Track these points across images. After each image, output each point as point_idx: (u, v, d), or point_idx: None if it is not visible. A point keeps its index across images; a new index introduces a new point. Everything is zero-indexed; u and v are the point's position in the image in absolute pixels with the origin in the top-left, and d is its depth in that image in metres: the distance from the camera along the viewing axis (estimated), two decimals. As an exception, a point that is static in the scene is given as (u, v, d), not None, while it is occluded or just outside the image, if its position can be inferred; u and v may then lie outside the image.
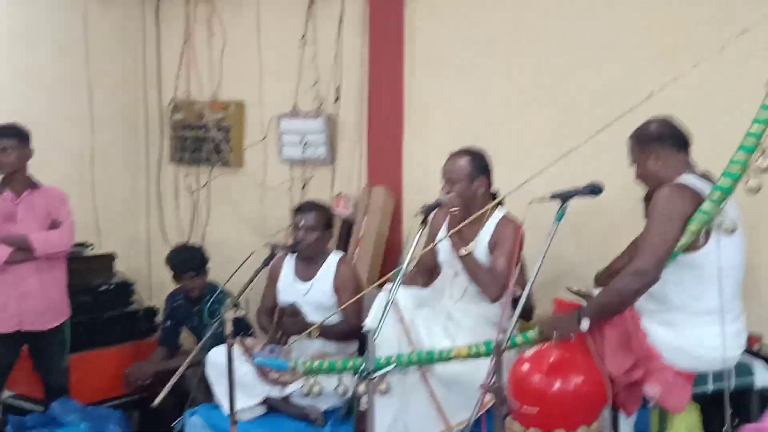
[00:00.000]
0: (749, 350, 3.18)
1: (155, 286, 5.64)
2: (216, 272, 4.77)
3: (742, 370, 2.96)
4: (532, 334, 3.03)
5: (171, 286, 4.85)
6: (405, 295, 3.37)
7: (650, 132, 3.00)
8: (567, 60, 4.22)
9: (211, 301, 4.20)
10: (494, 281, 3.39)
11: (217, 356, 3.79)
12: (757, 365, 3.02)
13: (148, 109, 5.77)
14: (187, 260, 4.66)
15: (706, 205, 2.72)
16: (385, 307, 2.94)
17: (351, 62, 4.99)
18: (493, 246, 3.52)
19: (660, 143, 2.96)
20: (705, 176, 2.90)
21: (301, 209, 4.04)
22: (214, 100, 5.55)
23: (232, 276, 4.20)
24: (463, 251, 3.41)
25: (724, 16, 3.68)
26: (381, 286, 3.64)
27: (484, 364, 2.96)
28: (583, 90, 4.18)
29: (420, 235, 3.40)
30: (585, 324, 2.81)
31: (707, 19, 3.75)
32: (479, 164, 3.60)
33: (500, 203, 3.53)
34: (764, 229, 3.64)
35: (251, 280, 3.61)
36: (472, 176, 3.56)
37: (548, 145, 4.13)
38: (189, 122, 5.63)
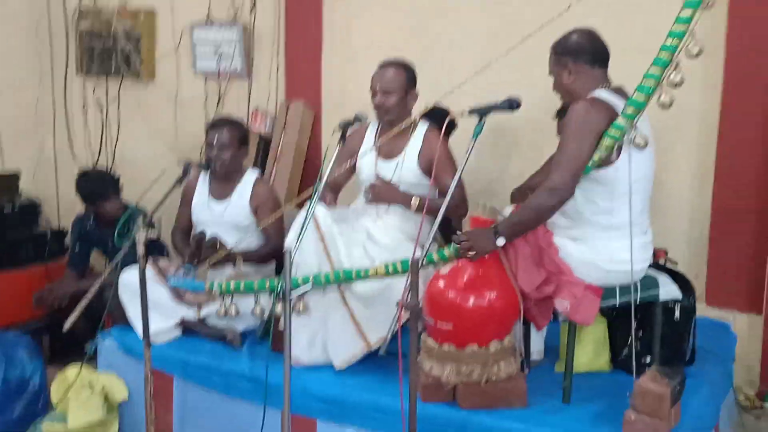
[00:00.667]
0: (655, 264, 3.28)
1: (64, 206, 5.43)
2: (128, 190, 4.61)
3: (648, 283, 3.04)
4: (448, 251, 3.03)
5: (81, 206, 4.66)
6: (324, 214, 3.31)
7: (569, 44, 2.95)
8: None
9: (124, 221, 4.06)
10: (457, 204, 3.35)
11: (129, 278, 3.68)
12: (662, 278, 3.10)
13: (51, 15, 5.40)
14: (98, 187, 4.43)
15: (619, 120, 2.72)
16: (303, 224, 2.88)
17: (267, -32, 4.77)
18: (425, 161, 3.48)
19: (577, 57, 2.92)
20: (618, 91, 2.89)
21: (214, 125, 3.89)
22: (122, 8, 5.24)
23: (143, 195, 4.10)
24: (414, 202, 3.38)
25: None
26: (301, 205, 3.57)
27: (402, 282, 2.97)
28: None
29: (337, 152, 3.34)
30: (500, 241, 2.82)
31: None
32: (412, 76, 3.57)
33: (422, 117, 3.49)
34: (670, 144, 3.72)
35: (164, 199, 3.50)
36: (407, 88, 3.52)
37: (474, 56, 4.06)
38: (96, 31, 5.32)
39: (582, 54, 2.91)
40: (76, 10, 5.37)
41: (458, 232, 2.94)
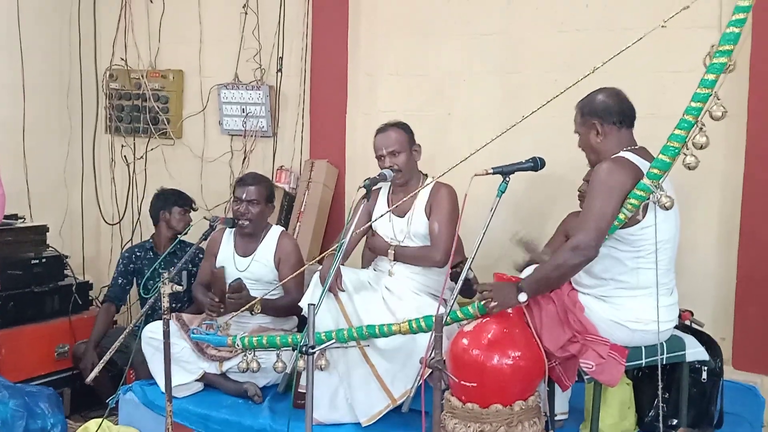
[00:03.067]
0: (681, 325, 3.25)
1: (89, 261, 5.48)
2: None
3: (674, 344, 3.01)
4: (472, 308, 3.03)
5: (105, 259, 4.72)
6: (342, 276, 3.36)
7: (596, 104, 2.97)
8: (516, 30, 4.22)
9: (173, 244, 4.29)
10: (433, 249, 3.44)
11: (153, 331, 3.70)
12: (689, 340, 3.07)
13: (83, 77, 5.55)
14: (175, 194, 4.63)
15: (645, 181, 2.74)
16: (323, 289, 2.93)
17: (293, 32, 4.90)
18: (429, 211, 3.55)
19: (604, 118, 2.94)
20: (643, 152, 2.92)
21: (242, 181, 3.96)
22: (152, 69, 5.39)
23: (171, 248, 4.15)
24: (390, 253, 3.46)
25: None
26: (321, 261, 3.62)
27: (425, 336, 2.97)
28: (533, 60, 4.18)
29: (362, 209, 3.39)
30: (522, 297, 2.82)
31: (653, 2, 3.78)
32: (411, 131, 3.69)
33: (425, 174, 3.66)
34: (694, 205, 3.74)
35: (189, 254, 3.55)
36: (411, 144, 3.64)
37: (496, 116, 4.16)
38: (126, 91, 5.46)
39: (609, 115, 2.94)
40: (107, 70, 5.52)
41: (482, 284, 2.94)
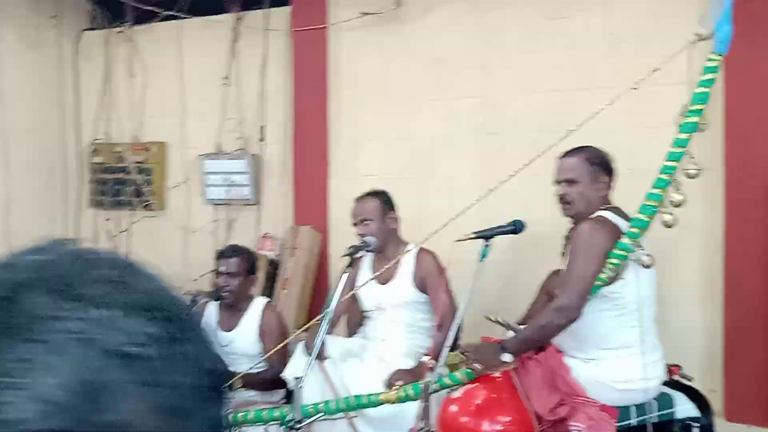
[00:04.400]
0: (670, 381, 3.23)
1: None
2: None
3: (664, 402, 2.99)
4: (459, 374, 3.01)
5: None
6: (330, 347, 3.34)
7: (604, 158, 2.99)
8: (493, 93, 4.29)
9: None
10: (448, 321, 3.34)
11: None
12: (678, 397, 3.05)
13: (67, 153, 5.59)
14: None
15: (624, 240, 2.76)
16: (309, 360, 2.90)
17: (275, 101, 4.96)
18: (420, 280, 3.55)
19: (607, 172, 2.98)
20: (618, 211, 2.94)
21: (222, 255, 3.94)
22: (135, 142, 5.42)
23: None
24: (429, 363, 3.27)
25: (638, 53, 3.80)
26: (306, 331, 3.60)
27: (413, 403, 2.94)
28: (510, 122, 4.25)
29: (347, 278, 3.37)
30: (506, 357, 2.81)
31: (626, 56, 3.88)
32: (387, 200, 3.73)
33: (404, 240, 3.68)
34: (678, 259, 3.76)
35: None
36: (384, 213, 3.67)
37: (476, 178, 4.20)
38: (109, 165, 5.48)
39: (610, 172, 2.99)
40: (90, 144, 5.55)
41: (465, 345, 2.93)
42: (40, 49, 5.42)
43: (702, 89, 2.59)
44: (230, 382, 3.55)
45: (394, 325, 3.55)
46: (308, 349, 3.34)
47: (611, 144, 3.18)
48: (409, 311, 3.55)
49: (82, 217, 5.64)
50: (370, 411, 3.20)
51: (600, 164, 2.96)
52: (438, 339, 3.24)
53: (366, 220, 3.63)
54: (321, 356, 3.34)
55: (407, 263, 3.58)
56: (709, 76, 2.59)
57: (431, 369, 3.12)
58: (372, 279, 3.53)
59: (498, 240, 3.10)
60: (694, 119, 2.59)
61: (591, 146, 3.02)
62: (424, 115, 4.50)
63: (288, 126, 4.92)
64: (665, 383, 3.09)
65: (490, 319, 3.30)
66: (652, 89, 3.43)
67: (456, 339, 3.47)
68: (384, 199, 3.72)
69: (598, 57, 4.01)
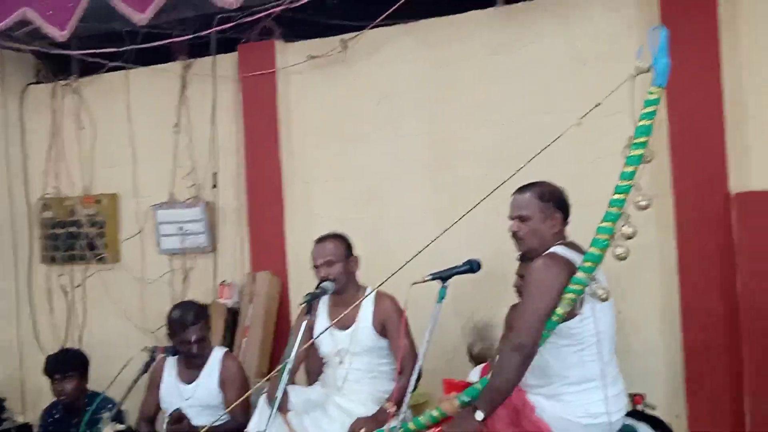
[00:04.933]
0: (633, 411, 3.24)
1: (29, 398, 5.26)
2: (97, 374, 4.48)
3: (628, 434, 2.99)
4: (423, 419, 2.97)
5: (48, 397, 4.52)
6: (292, 398, 3.29)
7: (557, 195, 3.00)
8: (441, 128, 4.31)
9: (92, 411, 3.94)
10: (409, 366, 3.35)
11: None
12: (641, 427, 3.05)
13: (15, 208, 5.46)
14: (66, 361, 4.34)
15: (579, 275, 2.76)
16: (271, 413, 2.85)
17: (227, 147, 4.93)
18: (379, 324, 3.51)
19: (561, 209, 2.99)
20: (573, 246, 2.95)
21: (183, 322, 3.81)
22: (86, 195, 5.34)
23: (111, 383, 4.00)
24: (391, 410, 3.29)
25: (582, 84, 3.87)
26: (268, 381, 3.55)
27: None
28: (460, 156, 4.26)
29: (305, 325, 3.33)
30: (479, 415, 2.76)
31: (572, 86, 3.95)
32: (348, 244, 3.69)
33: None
34: (633, 286, 3.80)
35: (131, 389, 3.44)
36: (347, 255, 3.64)
37: (429, 214, 4.20)
38: (60, 219, 5.38)
39: (564, 208, 3.00)
40: (39, 199, 5.45)
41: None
42: (-18, 100, 5.33)
43: (644, 122, 2.63)
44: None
45: (354, 372, 3.51)
46: (270, 400, 3.28)
47: (559, 175, 3.21)
48: (369, 357, 3.50)
49: (34, 273, 5.50)
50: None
51: (552, 200, 2.97)
52: (400, 384, 3.20)
53: (330, 262, 3.57)
54: (283, 408, 3.28)
55: (366, 308, 3.54)
56: (651, 108, 2.63)
57: (394, 415, 3.09)
58: (331, 326, 3.48)
59: (456, 277, 3.10)
60: (639, 152, 2.63)
61: (544, 182, 3.04)
62: (374, 152, 4.50)
63: (241, 171, 4.89)
64: (629, 414, 3.10)
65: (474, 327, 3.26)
66: (598, 119, 3.49)
67: (417, 380, 3.45)
68: (346, 242, 3.68)
69: (546, 88, 4.06)
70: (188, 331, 3.81)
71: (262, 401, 3.34)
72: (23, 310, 5.45)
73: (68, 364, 4.31)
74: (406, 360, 3.27)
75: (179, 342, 3.83)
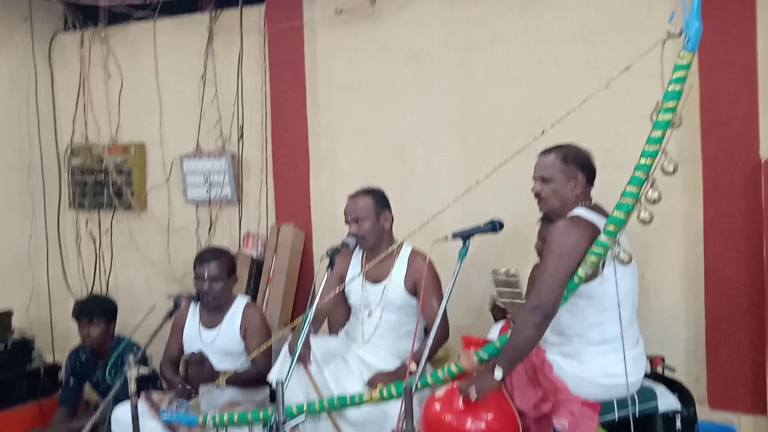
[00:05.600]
0: (652, 373, 3.26)
1: (59, 340, 5.38)
2: (123, 320, 4.60)
3: (646, 395, 3.01)
4: (442, 373, 3.02)
5: (75, 339, 4.64)
6: (312, 348, 3.34)
7: (581, 157, 2.99)
8: (471, 87, 4.28)
9: (117, 354, 4.06)
10: (442, 331, 3.31)
11: (122, 414, 3.64)
12: (660, 390, 3.07)
13: (44, 156, 5.52)
14: (94, 307, 4.44)
15: (602, 237, 2.76)
16: (291, 362, 2.90)
17: (253, 99, 4.93)
18: (411, 284, 3.53)
19: (584, 170, 2.98)
20: (597, 208, 2.95)
21: (201, 259, 3.93)
22: (113, 143, 5.38)
23: (137, 328, 4.10)
24: (412, 367, 3.24)
25: (614, 45, 3.81)
26: (293, 329, 3.61)
27: (396, 405, 2.95)
28: (489, 116, 4.23)
29: (333, 274, 3.37)
30: (498, 373, 2.80)
31: (602, 48, 3.88)
32: (381, 198, 3.65)
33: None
34: (658, 250, 3.78)
35: (155, 334, 3.50)
36: (378, 211, 3.60)
37: (456, 173, 4.20)
38: (88, 167, 5.44)
39: (588, 169, 2.99)
40: (68, 147, 5.51)
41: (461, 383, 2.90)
42: (12, 51, 5.34)
43: (674, 86, 2.59)
44: (217, 379, 3.56)
45: (381, 327, 3.54)
46: (291, 350, 3.34)
47: (589, 138, 3.19)
48: (398, 314, 3.53)
49: (63, 218, 5.59)
50: (353, 412, 3.21)
51: (575, 162, 2.96)
52: (424, 344, 3.23)
53: (359, 218, 3.56)
54: (305, 358, 3.34)
55: (400, 265, 3.55)
56: (681, 73, 2.59)
57: (413, 374, 3.13)
58: (361, 276, 3.51)
59: (480, 237, 3.11)
60: (668, 117, 2.60)
61: (569, 144, 3.02)
62: (401, 110, 4.48)
63: (266, 124, 4.89)
64: (647, 376, 3.12)
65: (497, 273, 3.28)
66: (627, 82, 3.46)
67: (444, 341, 3.50)
68: (378, 197, 3.65)
69: (574, 49, 4.00)
70: (203, 267, 3.86)
71: (284, 351, 3.40)
72: (53, 254, 5.55)
73: (96, 310, 4.41)
74: (432, 321, 3.26)
75: (195, 279, 3.89)
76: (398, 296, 3.52)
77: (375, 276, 3.56)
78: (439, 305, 3.04)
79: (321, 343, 3.46)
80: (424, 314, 3.42)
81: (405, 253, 3.59)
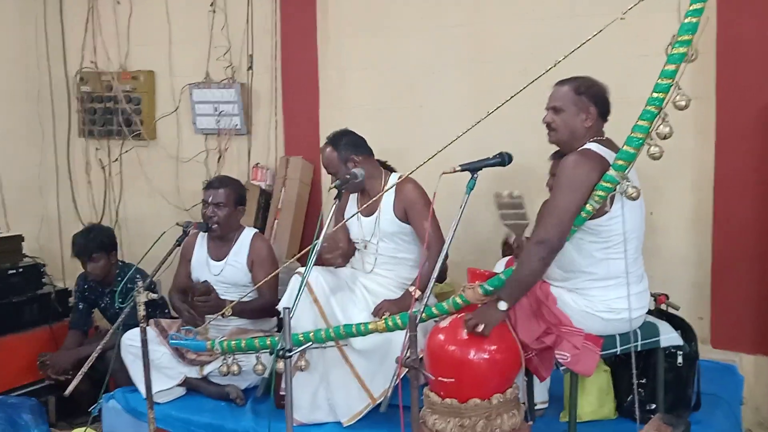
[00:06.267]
0: (656, 310, 3.28)
1: (68, 265, 5.45)
2: (132, 248, 4.66)
3: (648, 331, 3.03)
4: (447, 304, 3.04)
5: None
6: (319, 278, 3.37)
7: (595, 90, 2.94)
8: (482, 21, 4.21)
9: (123, 282, 4.09)
10: (433, 250, 3.35)
11: (132, 339, 3.70)
12: (662, 326, 3.09)
13: (53, 82, 5.50)
14: (89, 244, 4.39)
15: (611, 172, 2.74)
16: (299, 291, 2.92)
17: (263, 30, 4.87)
18: (401, 210, 3.53)
19: (597, 104, 2.93)
20: (608, 143, 2.92)
21: (209, 185, 3.94)
22: (122, 71, 5.35)
23: (144, 255, 4.12)
24: (415, 294, 3.32)
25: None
26: (297, 261, 3.63)
27: (401, 334, 2.98)
28: (500, 50, 4.18)
29: (334, 211, 3.38)
30: (503, 305, 2.82)
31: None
32: (346, 146, 3.60)
33: (391, 170, 3.67)
34: (667, 187, 3.76)
35: (163, 261, 3.54)
36: (345, 161, 3.58)
37: (466, 107, 4.16)
38: (97, 94, 5.42)
39: (603, 104, 2.94)
40: (77, 73, 5.48)
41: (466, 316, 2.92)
42: (21, -24, 5.28)
43: (690, 19, 2.53)
44: (223, 310, 3.61)
45: (380, 257, 3.56)
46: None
47: (602, 73, 3.13)
48: (394, 243, 3.55)
49: (72, 146, 5.60)
50: (359, 341, 3.26)
51: (587, 94, 2.92)
52: (424, 270, 3.26)
53: (331, 174, 3.61)
54: (313, 288, 3.36)
55: (388, 195, 3.56)
56: (698, 5, 2.53)
57: (418, 299, 3.16)
58: (357, 213, 3.54)
59: (489, 170, 3.09)
60: (682, 50, 2.54)
61: (585, 77, 2.98)
62: (412, 44, 4.42)
63: (277, 55, 4.84)
64: (651, 312, 3.14)
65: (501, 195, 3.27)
66: (643, 16, 3.38)
67: (443, 270, 3.51)
68: (341, 146, 3.59)
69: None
70: (209, 192, 3.86)
71: (294, 280, 3.40)
72: (63, 182, 5.58)
73: (92, 247, 4.37)
74: (429, 244, 3.28)
75: (203, 204, 3.90)
76: (390, 224, 3.54)
77: (368, 209, 3.57)
78: (432, 226, 3.04)
79: (329, 275, 3.48)
80: (421, 238, 3.43)
81: (392, 182, 3.59)
